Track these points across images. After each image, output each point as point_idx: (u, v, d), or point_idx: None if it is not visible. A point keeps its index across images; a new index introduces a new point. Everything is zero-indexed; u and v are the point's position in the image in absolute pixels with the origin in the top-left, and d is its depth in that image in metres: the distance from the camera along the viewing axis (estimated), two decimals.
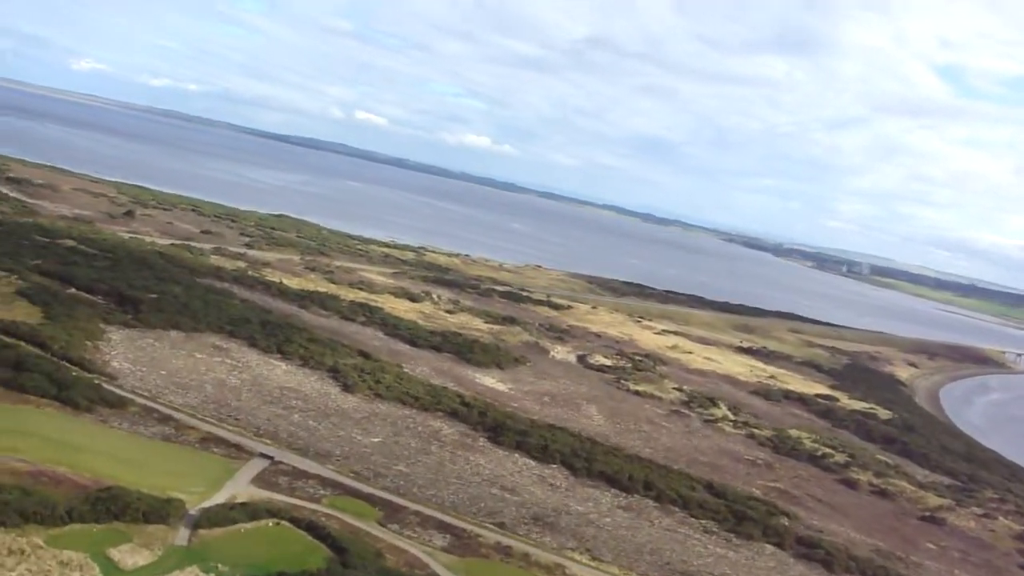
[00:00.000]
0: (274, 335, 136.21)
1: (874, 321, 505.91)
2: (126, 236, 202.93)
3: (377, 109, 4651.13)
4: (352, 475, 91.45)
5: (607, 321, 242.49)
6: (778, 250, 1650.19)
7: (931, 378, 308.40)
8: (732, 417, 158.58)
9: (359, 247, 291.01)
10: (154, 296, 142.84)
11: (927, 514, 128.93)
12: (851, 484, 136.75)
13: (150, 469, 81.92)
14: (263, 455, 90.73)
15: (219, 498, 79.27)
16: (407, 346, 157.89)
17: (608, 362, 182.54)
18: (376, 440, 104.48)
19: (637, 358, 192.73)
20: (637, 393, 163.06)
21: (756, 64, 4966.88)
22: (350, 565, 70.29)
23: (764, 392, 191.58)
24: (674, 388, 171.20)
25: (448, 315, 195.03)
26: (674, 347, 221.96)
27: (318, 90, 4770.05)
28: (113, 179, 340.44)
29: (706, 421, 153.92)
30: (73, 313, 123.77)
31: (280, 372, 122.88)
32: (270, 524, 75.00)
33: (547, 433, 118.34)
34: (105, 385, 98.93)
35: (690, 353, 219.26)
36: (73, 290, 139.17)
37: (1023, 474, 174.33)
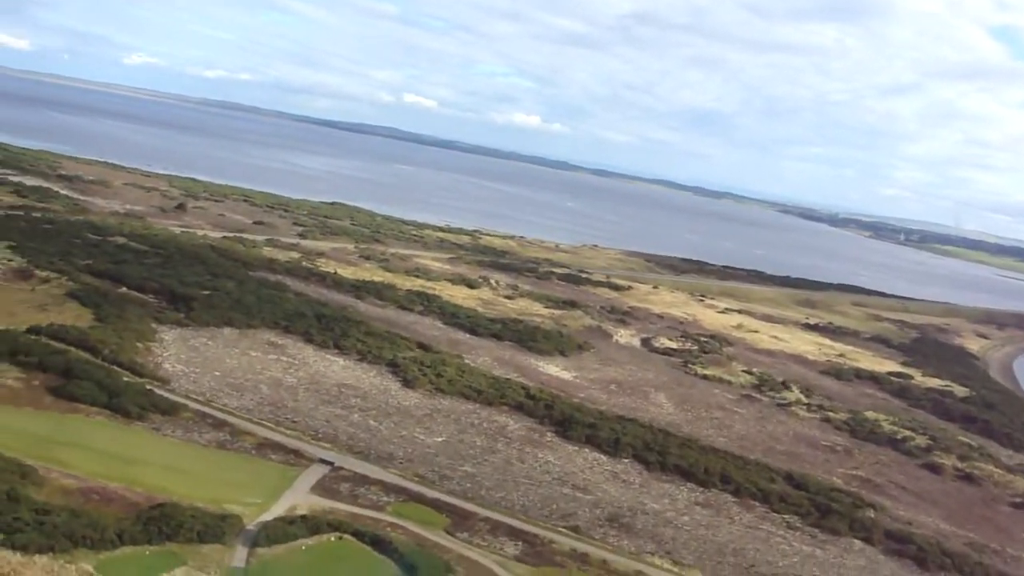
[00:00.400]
0: (330, 329, 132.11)
1: (937, 291, 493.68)
2: (178, 231, 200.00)
3: (425, 91, 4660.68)
4: (416, 479, 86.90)
5: (669, 301, 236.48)
6: (834, 220, 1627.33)
7: (1002, 349, 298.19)
8: (805, 400, 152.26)
9: (413, 232, 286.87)
10: (206, 292, 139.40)
11: (1019, 500, 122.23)
12: (935, 469, 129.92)
13: (205, 480, 77.97)
14: (322, 460, 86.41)
15: (278, 510, 75.09)
16: (467, 335, 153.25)
17: (673, 345, 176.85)
18: (440, 439, 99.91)
19: (703, 340, 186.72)
20: (705, 377, 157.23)
21: (805, 31, 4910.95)
22: None
23: (835, 372, 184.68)
24: (743, 371, 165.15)
25: (507, 301, 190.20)
26: (739, 326, 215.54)
27: (366, 75, 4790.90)
28: (165, 172, 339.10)
29: (779, 405, 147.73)
30: (124, 314, 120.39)
31: (338, 368, 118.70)
32: (332, 539, 70.59)
33: (617, 425, 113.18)
34: (157, 390, 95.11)
35: (756, 332, 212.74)
36: (124, 289, 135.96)
37: None
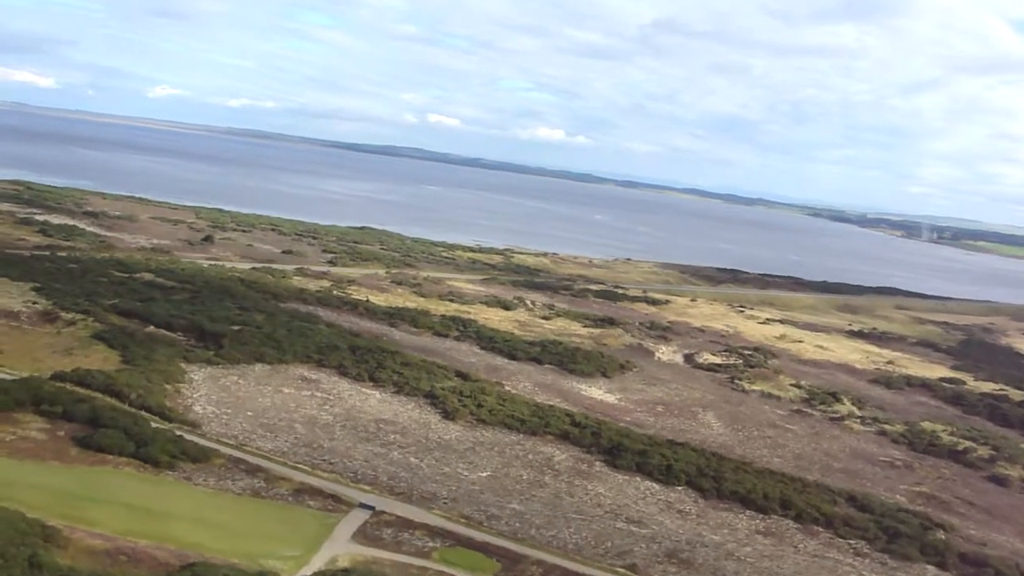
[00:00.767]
0: (365, 361, 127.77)
1: (975, 288, 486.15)
2: (205, 264, 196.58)
3: (449, 111, 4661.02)
4: (463, 520, 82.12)
5: (708, 313, 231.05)
6: (863, 221, 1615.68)
7: None
8: (858, 413, 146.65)
9: (444, 254, 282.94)
10: (236, 328, 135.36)
11: None
12: (1001, 481, 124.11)
13: (240, 533, 73.63)
14: (363, 505, 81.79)
15: (317, 562, 70.60)
16: (506, 360, 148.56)
17: (717, 360, 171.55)
18: (484, 475, 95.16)
19: (746, 353, 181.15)
20: (753, 393, 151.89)
21: (826, 33, 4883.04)
22: None
23: (884, 380, 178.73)
24: (791, 384, 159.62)
25: (544, 321, 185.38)
26: (782, 337, 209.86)
27: (390, 97, 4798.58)
28: (192, 204, 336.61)
29: (832, 419, 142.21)
30: (152, 355, 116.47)
31: (374, 402, 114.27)
32: None
33: (668, 450, 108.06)
34: (187, 435, 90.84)
35: (800, 342, 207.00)
36: (152, 328, 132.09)
37: None
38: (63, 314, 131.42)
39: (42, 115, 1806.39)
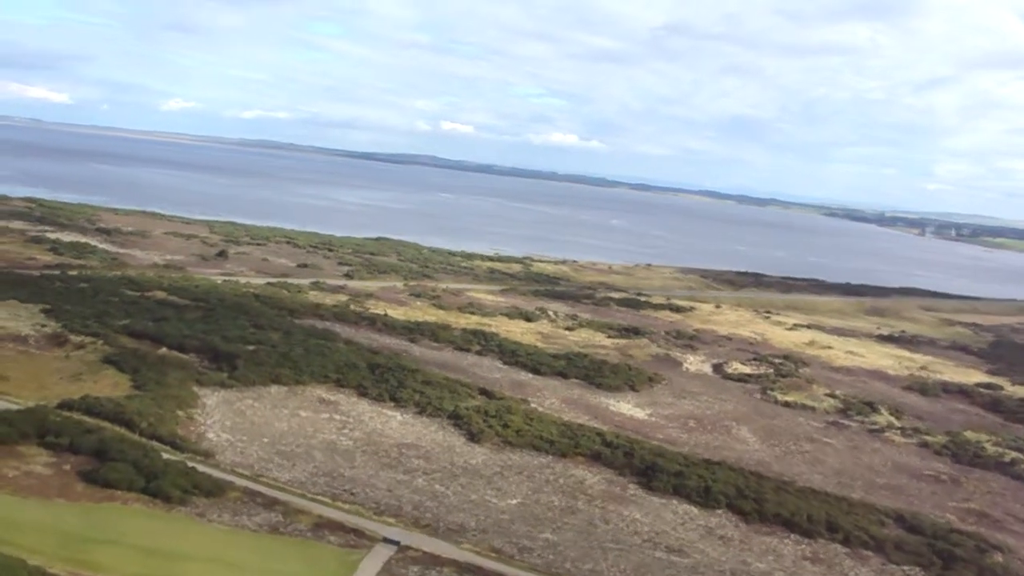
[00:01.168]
0: (385, 380, 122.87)
1: (999, 287, 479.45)
2: (219, 280, 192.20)
3: (462, 118, 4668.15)
4: (493, 554, 77.10)
5: (734, 320, 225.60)
6: (881, 219, 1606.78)
7: None
8: (897, 423, 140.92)
9: (463, 264, 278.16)
10: (251, 348, 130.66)
11: None
12: None
13: (257, 573, 68.97)
14: (387, 540, 76.80)
15: None
16: (530, 375, 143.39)
17: (747, 369, 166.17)
18: (514, 502, 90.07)
19: (776, 361, 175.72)
20: (787, 404, 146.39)
21: (838, 32, 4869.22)
22: None
23: (919, 387, 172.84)
24: (826, 394, 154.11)
25: (568, 333, 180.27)
26: (811, 343, 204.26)
27: (402, 105, 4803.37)
28: (205, 218, 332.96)
29: (870, 431, 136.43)
30: (163, 379, 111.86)
31: (396, 425, 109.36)
32: None
33: (704, 470, 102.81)
34: (200, 467, 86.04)
35: (830, 348, 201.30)
36: (164, 350, 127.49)
37: None
38: (72, 337, 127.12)
39: (57, 131, 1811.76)
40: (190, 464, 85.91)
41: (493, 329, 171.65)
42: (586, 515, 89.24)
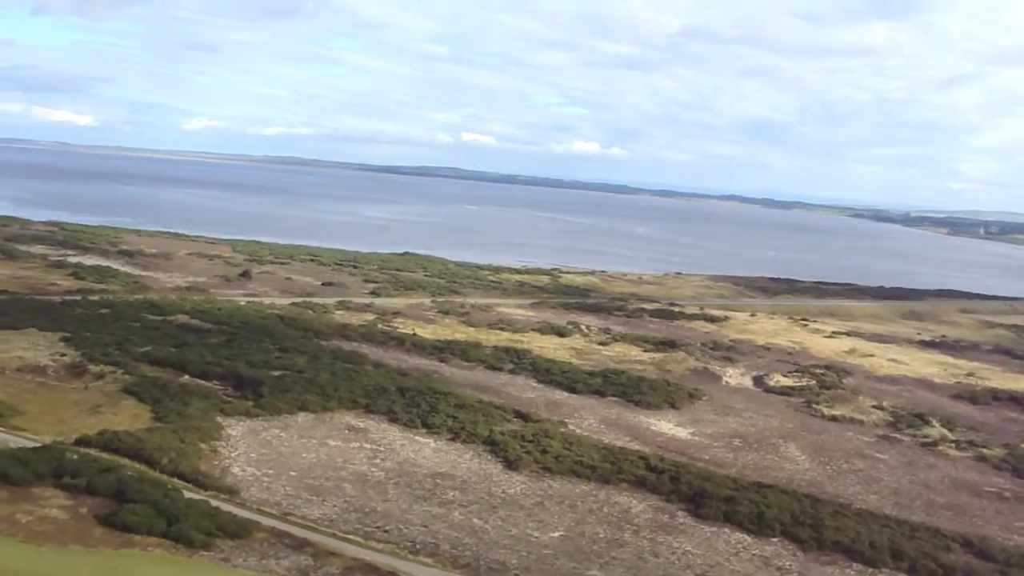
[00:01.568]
0: (416, 404, 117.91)
1: None
2: (243, 301, 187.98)
3: (483, 128, 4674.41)
4: None
5: (770, 329, 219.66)
6: (907, 220, 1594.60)
7: None
8: (951, 436, 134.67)
9: (490, 278, 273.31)
10: (276, 374, 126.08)
11: None
12: None
13: None
14: None
15: None
16: (566, 394, 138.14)
17: (789, 382, 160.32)
18: (557, 534, 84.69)
19: (818, 372, 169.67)
20: (834, 418, 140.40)
21: (857, 33, 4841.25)
22: None
23: (969, 395, 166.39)
24: (873, 406, 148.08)
25: (602, 347, 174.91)
26: (852, 351, 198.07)
27: (423, 118, 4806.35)
28: (228, 237, 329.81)
29: (923, 445, 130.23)
30: (186, 410, 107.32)
31: (429, 453, 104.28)
32: None
33: (756, 495, 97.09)
34: (224, 505, 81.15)
35: (872, 356, 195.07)
36: (186, 378, 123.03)
37: None
38: (91, 367, 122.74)
39: (82, 153, 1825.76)
40: (214, 503, 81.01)
41: (525, 346, 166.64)
42: (634, 548, 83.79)
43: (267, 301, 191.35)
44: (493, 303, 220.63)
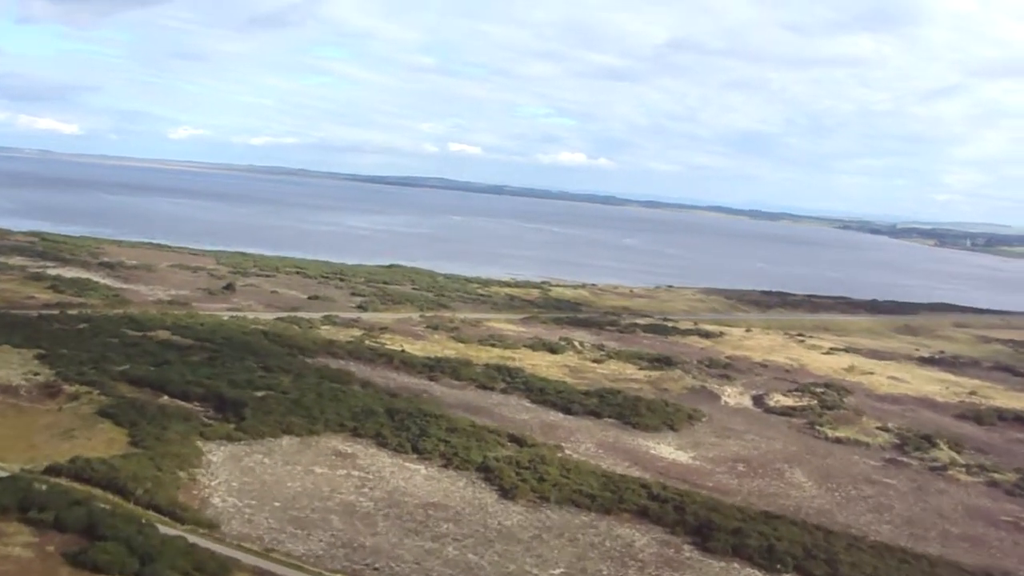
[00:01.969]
0: (406, 427, 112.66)
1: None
2: (226, 316, 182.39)
3: (469, 139, 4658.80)
4: None
5: (767, 345, 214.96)
6: (894, 231, 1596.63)
7: None
8: (960, 460, 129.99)
9: (479, 291, 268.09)
10: (260, 394, 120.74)
11: None
12: None
13: None
14: None
15: None
16: (561, 415, 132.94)
17: (790, 401, 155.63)
18: (557, 572, 79.50)
19: (818, 390, 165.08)
20: (838, 440, 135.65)
21: (842, 44, 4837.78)
22: None
23: (973, 415, 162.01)
24: (877, 427, 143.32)
25: (596, 365, 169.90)
26: (851, 368, 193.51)
27: (410, 128, 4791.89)
28: (213, 248, 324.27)
29: (932, 469, 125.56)
30: (164, 434, 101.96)
31: (420, 480, 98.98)
32: None
33: (764, 526, 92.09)
34: (202, 542, 75.77)
35: (871, 374, 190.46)
36: (166, 399, 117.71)
37: None
38: (66, 387, 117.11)
39: (66, 161, 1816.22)
40: (191, 539, 75.66)
41: (517, 363, 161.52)
42: None
43: (251, 316, 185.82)
44: (483, 318, 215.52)
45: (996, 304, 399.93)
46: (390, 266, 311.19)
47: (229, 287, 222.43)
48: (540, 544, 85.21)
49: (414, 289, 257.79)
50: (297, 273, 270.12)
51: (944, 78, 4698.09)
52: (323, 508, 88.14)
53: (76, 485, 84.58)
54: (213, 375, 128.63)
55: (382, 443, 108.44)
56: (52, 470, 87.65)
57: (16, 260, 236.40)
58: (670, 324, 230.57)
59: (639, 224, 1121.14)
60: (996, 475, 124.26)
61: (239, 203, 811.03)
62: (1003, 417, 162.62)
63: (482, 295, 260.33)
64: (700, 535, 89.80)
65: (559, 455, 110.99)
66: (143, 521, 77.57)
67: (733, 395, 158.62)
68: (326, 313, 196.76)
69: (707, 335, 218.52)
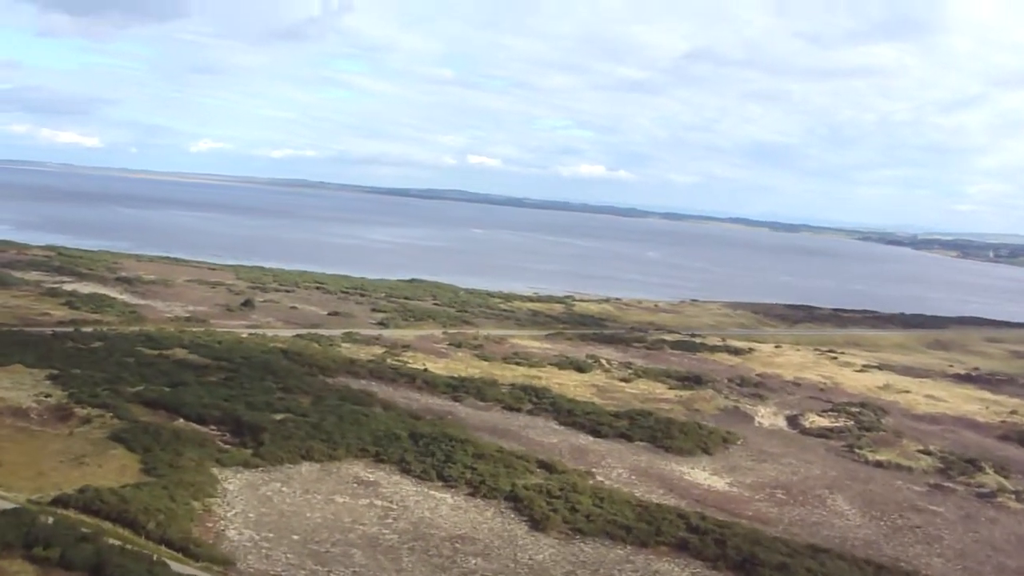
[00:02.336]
0: (431, 453, 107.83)
1: None
2: (245, 333, 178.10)
3: (489, 151, 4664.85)
4: None
5: (798, 362, 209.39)
6: (915, 242, 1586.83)
7: None
8: (1009, 486, 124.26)
9: (502, 306, 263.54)
10: (279, 417, 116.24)
11: None
12: None
13: None
14: None
15: None
16: (590, 438, 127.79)
17: (825, 422, 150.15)
18: None
19: (854, 410, 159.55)
20: (879, 464, 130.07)
21: (862, 54, 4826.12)
22: None
23: (1017, 437, 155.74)
24: (919, 450, 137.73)
25: (625, 384, 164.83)
26: (886, 387, 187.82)
27: (429, 140, 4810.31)
28: (231, 262, 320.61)
29: (980, 496, 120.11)
30: (178, 460, 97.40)
31: (446, 511, 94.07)
32: None
33: (812, 561, 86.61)
34: None
35: (907, 392, 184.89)
36: (181, 422, 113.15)
37: None
38: (78, 410, 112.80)
39: (87, 175, 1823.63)
40: None
41: (543, 383, 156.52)
42: None
43: (270, 333, 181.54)
44: (507, 334, 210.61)
45: (1020, 316, 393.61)
46: (411, 280, 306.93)
47: (248, 303, 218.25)
48: None
49: (436, 304, 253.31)
50: (317, 288, 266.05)
51: (966, 88, 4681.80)
52: (344, 541, 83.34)
53: (85, 517, 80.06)
54: (230, 397, 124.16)
55: (406, 469, 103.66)
56: (60, 501, 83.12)
57: (32, 275, 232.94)
58: (698, 340, 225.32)
59: (660, 236, 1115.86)
60: None
61: (258, 216, 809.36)
62: None
63: (505, 310, 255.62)
64: (743, 571, 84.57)
65: (591, 482, 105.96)
66: (154, 559, 72.90)
67: (767, 416, 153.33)
68: (346, 330, 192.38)
69: (736, 352, 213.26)
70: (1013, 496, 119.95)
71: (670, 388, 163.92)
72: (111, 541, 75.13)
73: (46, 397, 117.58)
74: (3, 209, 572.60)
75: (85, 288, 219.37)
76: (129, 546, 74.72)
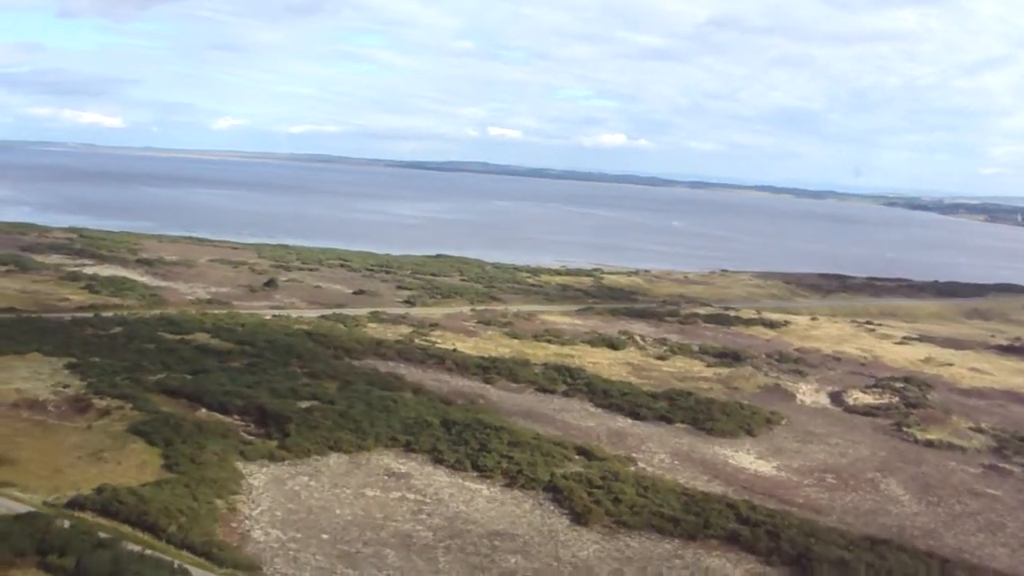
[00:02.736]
0: (464, 441, 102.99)
1: None
2: (268, 315, 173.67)
3: (510, 123, 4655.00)
4: None
5: (835, 335, 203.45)
6: (941, 207, 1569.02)
7: None
8: None
9: (530, 280, 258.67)
10: (305, 405, 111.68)
11: None
12: None
13: None
14: None
15: None
16: (629, 421, 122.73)
17: (870, 399, 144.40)
18: None
19: (898, 386, 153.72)
20: (929, 444, 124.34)
21: (886, 18, 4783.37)
22: None
23: None
24: (970, 428, 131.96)
25: (661, 362, 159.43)
26: (928, 360, 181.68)
27: (450, 113, 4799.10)
28: (254, 241, 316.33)
29: None
30: (200, 455, 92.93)
31: (482, 503, 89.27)
32: None
33: (871, 555, 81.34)
34: None
35: (950, 365, 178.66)
36: (202, 412, 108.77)
37: None
38: (96, 401, 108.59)
39: (109, 154, 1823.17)
40: None
41: (576, 362, 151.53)
42: None
43: (294, 314, 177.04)
44: (536, 310, 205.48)
45: None
46: (437, 256, 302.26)
47: (271, 283, 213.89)
48: None
49: (463, 280, 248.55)
50: (341, 266, 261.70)
51: (990, 49, 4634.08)
52: (376, 540, 78.68)
53: (102, 521, 75.80)
54: (254, 383, 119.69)
55: (438, 459, 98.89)
56: (76, 503, 78.85)
57: (53, 259, 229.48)
58: (732, 313, 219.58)
59: (683, 205, 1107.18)
60: None
61: (281, 192, 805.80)
62: None
63: (533, 285, 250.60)
64: (799, 566, 79.36)
65: (632, 469, 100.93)
66: (175, 565, 68.49)
67: (809, 393, 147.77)
68: (372, 309, 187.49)
69: (771, 325, 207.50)
70: None
71: (708, 366, 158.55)
72: (130, 547, 70.72)
73: (64, 388, 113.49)
74: (26, 191, 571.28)
75: (106, 271, 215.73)
76: (149, 552, 70.43)
